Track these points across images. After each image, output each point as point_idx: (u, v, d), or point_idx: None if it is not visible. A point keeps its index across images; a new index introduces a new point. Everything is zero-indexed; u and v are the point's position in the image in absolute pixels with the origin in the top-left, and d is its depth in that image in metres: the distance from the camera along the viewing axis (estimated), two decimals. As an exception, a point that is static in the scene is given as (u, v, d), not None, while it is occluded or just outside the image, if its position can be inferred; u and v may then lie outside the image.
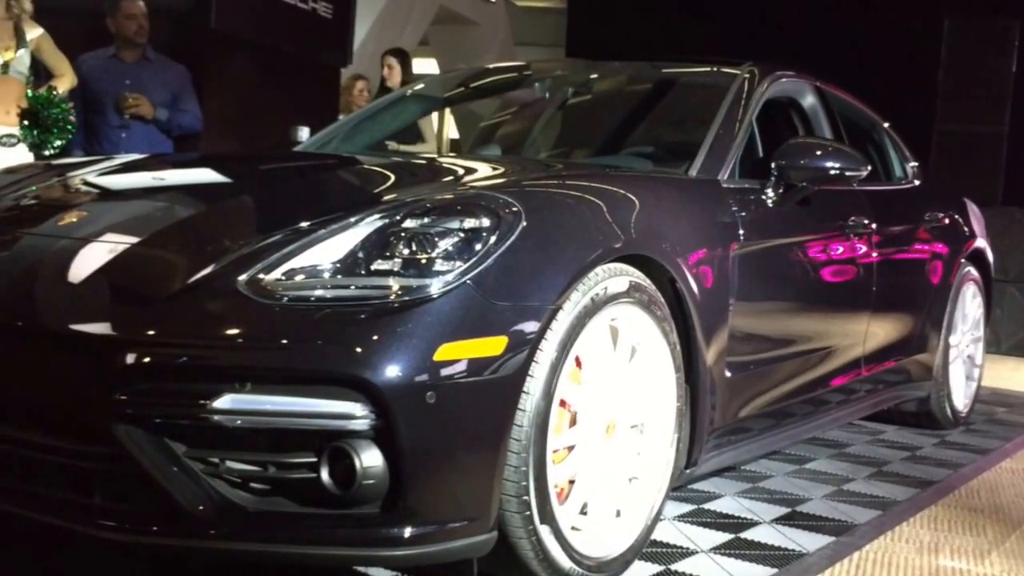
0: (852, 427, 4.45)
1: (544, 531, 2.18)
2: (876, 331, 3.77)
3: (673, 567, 2.56)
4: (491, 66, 4.79)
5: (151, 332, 1.99)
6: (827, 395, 3.53)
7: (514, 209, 2.18)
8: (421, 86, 4.42)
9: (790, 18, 9.70)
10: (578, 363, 2.29)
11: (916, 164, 4.66)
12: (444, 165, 3.21)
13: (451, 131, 12.90)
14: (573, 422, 2.31)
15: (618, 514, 2.47)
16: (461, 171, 2.91)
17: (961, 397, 4.65)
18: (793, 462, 3.74)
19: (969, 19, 8.76)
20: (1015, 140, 8.55)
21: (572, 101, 4.07)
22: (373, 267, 2.05)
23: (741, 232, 2.89)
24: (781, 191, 3.11)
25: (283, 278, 2.04)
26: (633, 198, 2.54)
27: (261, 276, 2.04)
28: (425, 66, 13.36)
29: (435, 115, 8.75)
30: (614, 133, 3.73)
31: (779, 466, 3.66)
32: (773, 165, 3.11)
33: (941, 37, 8.78)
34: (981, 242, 4.75)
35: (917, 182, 4.59)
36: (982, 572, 2.71)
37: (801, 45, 8.96)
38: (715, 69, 3.69)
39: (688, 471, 2.74)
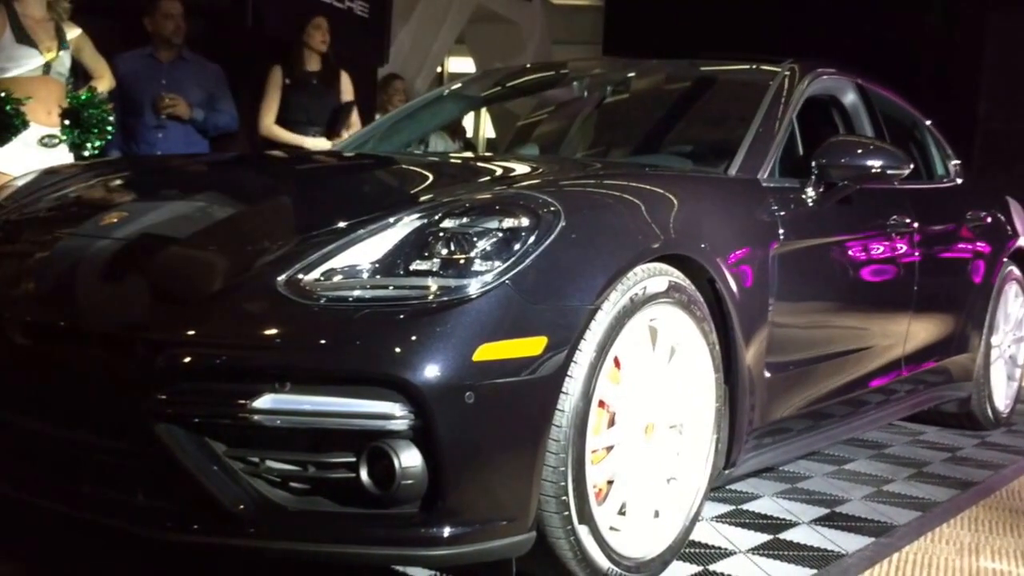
0: (892, 428, 4.40)
1: (583, 531, 2.17)
2: (917, 331, 3.73)
3: (712, 568, 2.54)
4: (528, 64, 4.78)
5: (191, 332, 2.00)
6: (867, 396, 3.49)
7: (553, 209, 2.18)
8: (459, 85, 4.42)
9: (831, 15, 9.60)
10: (617, 363, 2.28)
11: (958, 162, 4.61)
12: (482, 165, 3.21)
13: (487, 130, 12.88)
14: (612, 422, 2.30)
15: (656, 514, 2.46)
16: (499, 171, 2.91)
17: (1002, 398, 4.60)
18: (832, 463, 3.71)
19: (1014, 16, 8.65)
20: (1059, 138, 8.45)
21: (610, 100, 4.05)
22: (412, 267, 2.06)
23: (781, 231, 2.87)
24: (821, 190, 3.09)
25: (322, 278, 2.05)
26: (672, 197, 2.53)
27: (300, 276, 2.05)
28: (462, 64, 13.37)
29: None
30: (652, 132, 3.71)
31: (818, 467, 3.63)
32: (813, 164, 3.09)
33: (985, 34, 8.68)
34: (1024, 241, 4.69)
35: (959, 180, 4.54)
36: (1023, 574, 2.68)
37: (843, 42, 8.88)
38: (755, 66, 3.67)
39: (727, 471, 2.73)
